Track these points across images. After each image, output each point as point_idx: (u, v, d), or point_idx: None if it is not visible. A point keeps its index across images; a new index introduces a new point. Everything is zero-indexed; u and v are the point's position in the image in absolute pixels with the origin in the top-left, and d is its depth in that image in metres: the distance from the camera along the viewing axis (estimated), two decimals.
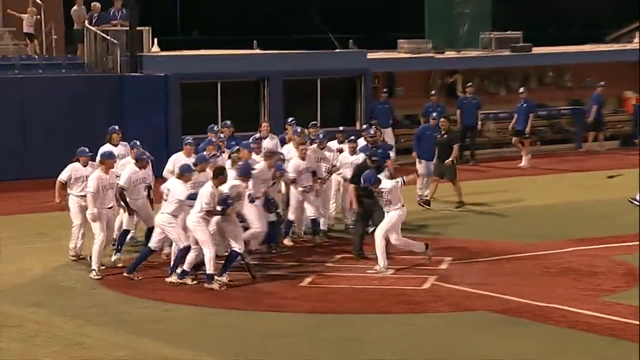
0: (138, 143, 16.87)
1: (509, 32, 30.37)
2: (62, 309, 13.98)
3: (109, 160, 15.95)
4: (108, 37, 25.68)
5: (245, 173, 15.40)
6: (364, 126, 20.18)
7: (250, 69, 25.70)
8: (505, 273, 15.63)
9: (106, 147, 17.12)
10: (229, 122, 19.35)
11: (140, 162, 16.16)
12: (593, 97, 29.05)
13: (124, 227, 16.28)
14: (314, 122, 19.88)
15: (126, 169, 16.29)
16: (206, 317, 13.62)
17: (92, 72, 25.67)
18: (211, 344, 12.50)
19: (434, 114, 22.56)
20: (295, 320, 13.43)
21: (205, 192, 14.76)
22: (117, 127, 18.17)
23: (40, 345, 12.39)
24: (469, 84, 27.58)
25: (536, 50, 30.20)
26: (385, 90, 26.67)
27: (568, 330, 12.86)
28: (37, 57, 25.73)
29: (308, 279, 15.29)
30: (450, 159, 20.45)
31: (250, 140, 17.44)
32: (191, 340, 12.61)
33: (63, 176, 16.36)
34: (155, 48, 26.40)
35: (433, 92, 26.57)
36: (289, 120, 19.97)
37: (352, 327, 13.14)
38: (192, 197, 14.81)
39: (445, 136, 20.62)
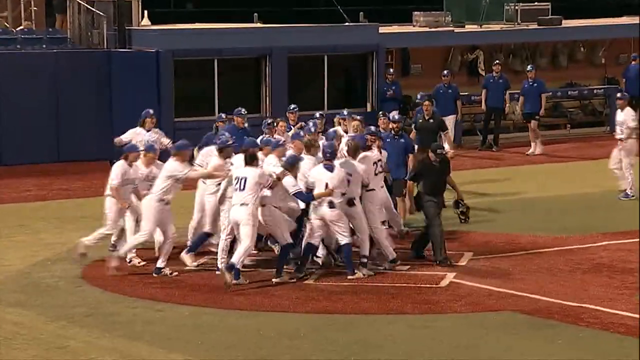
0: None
1: (536, 3, 30.30)
2: (44, 308, 14.04)
3: (149, 154, 16.25)
4: (93, 9, 25.70)
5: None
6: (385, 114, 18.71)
7: (250, 45, 25.71)
8: (531, 270, 15.67)
9: (138, 132, 17.76)
10: (292, 107, 19.55)
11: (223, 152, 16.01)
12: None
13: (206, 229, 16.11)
14: (293, 107, 19.63)
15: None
16: (203, 318, 13.67)
17: (75, 48, 25.71)
18: (208, 347, 12.56)
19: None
20: (301, 321, 13.49)
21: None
22: (151, 112, 18.31)
23: (19, 349, 12.45)
24: (497, 62, 27.44)
25: (566, 23, 30.13)
26: (446, 72, 26.44)
27: (602, 333, 12.90)
28: (14, 31, 25.75)
29: (314, 277, 15.32)
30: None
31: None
32: (186, 344, 12.67)
33: (114, 181, 15.94)
34: (146, 21, 26.41)
35: (445, 72, 26.47)
36: (291, 108, 19.69)
37: (362, 329, 13.19)
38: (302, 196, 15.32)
39: (430, 121, 19.79)
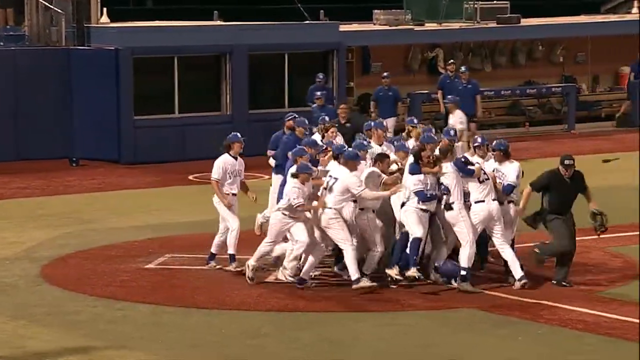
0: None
1: (495, 1, 30.46)
2: (4, 307, 13.93)
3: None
4: (52, 7, 25.53)
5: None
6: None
7: (210, 43, 25.64)
8: (490, 267, 15.72)
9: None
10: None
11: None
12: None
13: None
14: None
15: None
16: (165, 317, 13.62)
17: (34, 46, 25.52)
18: (172, 347, 12.51)
19: (318, 93, 22.09)
20: (264, 319, 13.47)
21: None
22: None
23: None
24: (451, 61, 27.16)
25: (525, 21, 30.33)
26: (386, 74, 25.77)
27: (560, 329, 12.99)
28: None
29: (274, 275, 15.32)
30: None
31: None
32: (149, 343, 12.62)
33: (215, 174, 15.48)
34: (105, 19, 26.28)
35: (385, 74, 25.78)
36: (289, 116, 17.85)
37: (326, 327, 13.20)
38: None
39: (347, 125, 19.38)
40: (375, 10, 29.45)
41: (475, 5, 29.74)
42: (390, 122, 23.79)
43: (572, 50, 31.17)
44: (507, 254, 14.63)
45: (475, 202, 14.45)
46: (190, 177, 23.02)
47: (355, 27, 28.97)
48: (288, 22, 27.30)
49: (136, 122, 24.76)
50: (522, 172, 15.05)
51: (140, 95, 24.94)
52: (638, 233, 16.76)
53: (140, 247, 16.61)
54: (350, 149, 14.91)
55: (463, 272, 14.33)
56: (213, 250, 15.70)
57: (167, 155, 24.73)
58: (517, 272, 14.54)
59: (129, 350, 12.29)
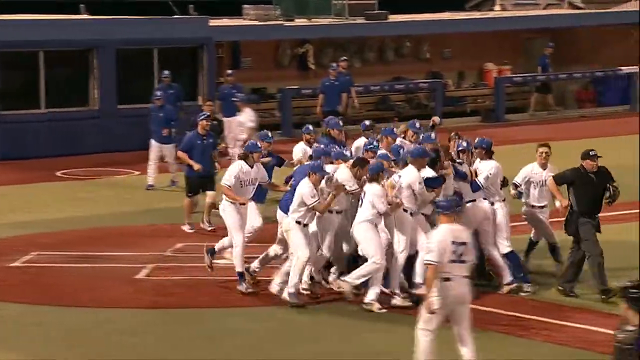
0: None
1: None
2: None
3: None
4: None
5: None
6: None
7: (76, 37, 25.17)
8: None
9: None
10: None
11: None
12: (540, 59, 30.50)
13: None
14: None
15: None
16: (40, 315, 13.40)
17: None
18: (46, 345, 12.33)
19: (158, 93, 21.38)
20: (138, 316, 13.31)
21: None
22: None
23: None
24: (344, 58, 26.63)
25: (393, 18, 30.57)
26: (230, 72, 25.14)
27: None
28: None
29: (145, 271, 15.14)
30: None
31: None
32: (27, 343, 12.41)
33: (227, 180, 14.33)
34: None
35: (229, 71, 24.93)
36: (201, 116, 17.71)
37: (202, 323, 13.17)
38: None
39: (214, 122, 18.88)
40: (245, 6, 29.34)
41: (344, 2, 29.85)
42: (233, 122, 22.59)
43: (439, 47, 31.55)
44: (495, 256, 14.02)
45: (467, 202, 13.78)
46: (58, 174, 22.60)
47: (225, 22, 28.79)
48: (157, 17, 26.95)
49: (1, 117, 24.09)
50: (505, 179, 14.38)
51: (5, 90, 24.31)
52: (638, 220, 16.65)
53: (6, 245, 16.13)
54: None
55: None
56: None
57: (33, 151, 24.15)
58: (505, 277, 13.96)
59: (6, 351, 12.07)
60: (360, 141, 15.90)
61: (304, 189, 13.53)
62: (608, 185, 13.59)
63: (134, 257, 15.72)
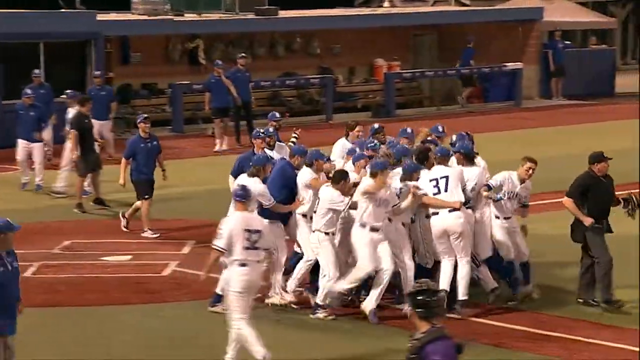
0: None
1: None
2: None
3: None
4: None
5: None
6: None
7: None
8: None
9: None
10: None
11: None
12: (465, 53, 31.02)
13: None
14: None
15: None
16: None
17: None
18: None
19: (28, 92, 20.66)
20: (26, 315, 12.88)
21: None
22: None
23: None
24: (242, 55, 26.34)
25: (283, 14, 30.52)
26: (98, 73, 24.23)
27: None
28: None
29: (32, 269, 14.86)
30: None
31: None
32: None
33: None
34: None
35: (97, 72, 24.34)
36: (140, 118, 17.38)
37: (92, 321, 12.99)
38: None
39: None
40: (134, 0, 28.90)
41: None
42: (105, 125, 22.38)
43: (329, 43, 31.61)
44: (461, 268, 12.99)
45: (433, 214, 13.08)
46: None
47: (113, 16, 28.38)
48: (43, 10, 26.41)
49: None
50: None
51: None
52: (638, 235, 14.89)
53: None
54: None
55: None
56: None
57: None
58: (460, 292, 12.93)
59: None
60: (340, 142, 15.05)
61: (328, 194, 12.81)
62: (630, 195, 13.07)
63: (22, 256, 15.26)
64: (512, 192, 13.25)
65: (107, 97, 23.05)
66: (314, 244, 12.98)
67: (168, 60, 29.11)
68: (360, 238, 12.66)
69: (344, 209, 12.85)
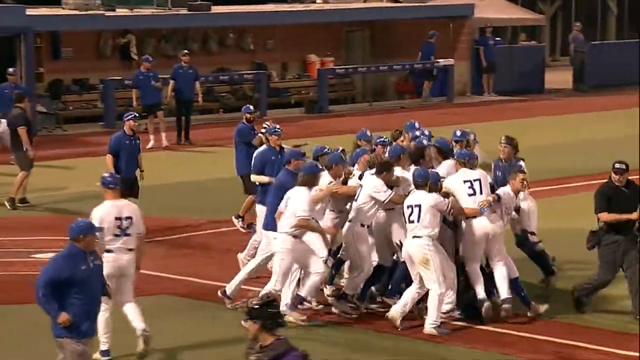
0: None
1: None
2: None
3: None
4: None
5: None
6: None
7: None
8: (187, 253, 15.56)
9: None
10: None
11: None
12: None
13: None
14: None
15: None
16: None
17: None
18: None
19: None
20: None
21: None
22: None
23: None
24: (186, 52, 26.17)
25: (216, 9, 30.36)
26: (11, 70, 22.96)
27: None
28: None
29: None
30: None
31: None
32: None
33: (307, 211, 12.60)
34: None
35: (11, 69, 22.82)
36: (128, 116, 16.78)
37: (20, 319, 12.85)
38: None
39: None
40: None
41: None
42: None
43: (262, 38, 31.53)
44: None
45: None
46: None
47: (43, 10, 27.98)
48: None
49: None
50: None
51: None
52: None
53: None
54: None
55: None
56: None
57: None
58: (506, 291, 12.69)
59: None
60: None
61: (372, 182, 12.62)
62: None
63: None
64: (516, 206, 13.13)
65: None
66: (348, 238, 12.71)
67: (100, 55, 28.82)
68: (362, 238, 12.74)
69: (384, 200, 12.65)
